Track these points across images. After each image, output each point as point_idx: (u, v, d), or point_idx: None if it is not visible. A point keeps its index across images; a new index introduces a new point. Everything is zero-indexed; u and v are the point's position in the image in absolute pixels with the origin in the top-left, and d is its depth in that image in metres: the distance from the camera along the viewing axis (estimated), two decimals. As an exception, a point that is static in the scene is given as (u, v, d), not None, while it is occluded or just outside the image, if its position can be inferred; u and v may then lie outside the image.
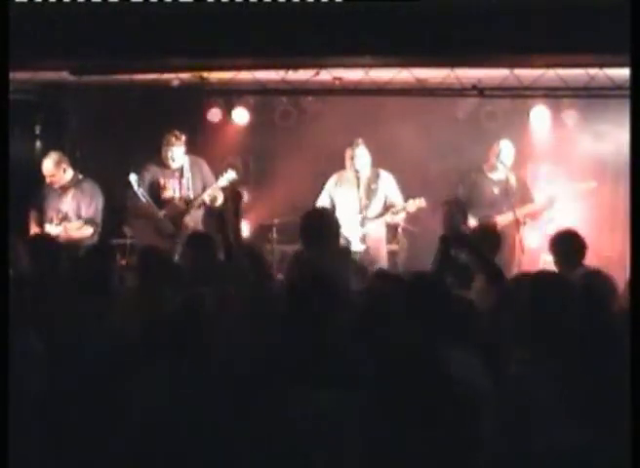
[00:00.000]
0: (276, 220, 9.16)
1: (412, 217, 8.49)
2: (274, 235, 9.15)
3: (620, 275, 5.51)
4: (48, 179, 8.47)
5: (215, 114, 9.76)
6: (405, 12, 6.31)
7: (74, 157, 9.04)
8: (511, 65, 6.98)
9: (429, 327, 3.88)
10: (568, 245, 6.17)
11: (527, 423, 3.46)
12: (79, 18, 6.45)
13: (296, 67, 7.30)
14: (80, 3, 6.32)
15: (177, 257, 8.02)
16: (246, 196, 9.90)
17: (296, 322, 4.12)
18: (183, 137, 8.73)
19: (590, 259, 6.23)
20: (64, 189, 8.47)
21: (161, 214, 8.56)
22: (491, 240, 6.31)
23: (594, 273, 5.24)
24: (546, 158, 9.33)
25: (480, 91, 7.43)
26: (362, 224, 8.30)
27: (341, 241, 7.78)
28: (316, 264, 5.96)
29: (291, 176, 9.17)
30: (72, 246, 7.74)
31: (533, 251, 8.50)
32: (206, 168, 8.87)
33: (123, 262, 8.20)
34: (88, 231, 8.37)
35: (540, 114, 9.21)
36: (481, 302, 4.54)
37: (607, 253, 6.76)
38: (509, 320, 4.27)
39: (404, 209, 8.33)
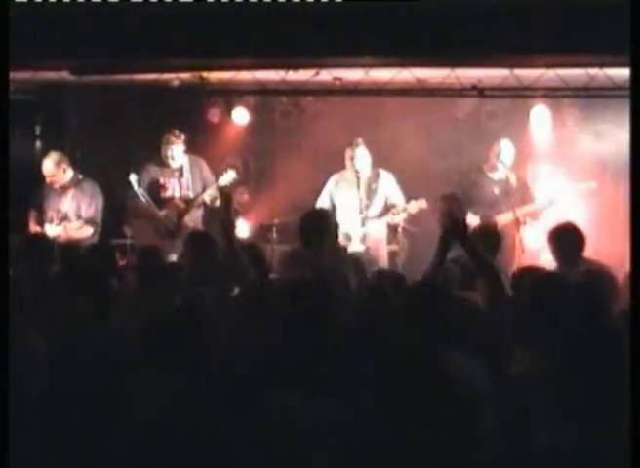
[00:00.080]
0: (276, 220, 9.16)
1: (412, 218, 8.49)
2: (274, 235, 9.15)
3: (620, 275, 5.51)
4: (48, 179, 8.47)
5: (215, 114, 9.75)
6: (405, 12, 6.31)
7: (74, 157, 9.05)
8: (511, 65, 6.98)
9: (429, 327, 3.88)
10: (567, 238, 6.16)
11: (527, 423, 3.46)
12: (79, 18, 6.45)
13: (296, 67, 7.30)
14: (80, 3, 6.33)
15: (176, 257, 8.04)
16: (246, 196, 9.93)
17: (295, 322, 4.12)
18: (183, 136, 8.74)
19: (591, 259, 6.23)
20: (64, 189, 8.47)
21: (161, 213, 8.57)
22: (491, 240, 6.31)
23: (594, 272, 5.23)
24: (546, 158, 9.32)
25: (480, 91, 7.42)
26: (362, 224, 8.30)
27: (341, 240, 7.80)
28: (315, 264, 5.97)
29: (291, 176, 9.17)
30: (72, 246, 7.72)
31: (533, 251, 8.49)
32: (206, 167, 8.87)
33: (123, 262, 8.20)
34: (88, 231, 8.38)
35: (539, 114, 9.20)
36: (482, 302, 4.54)
37: (607, 252, 6.75)
38: (509, 320, 4.27)
39: (405, 209, 8.33)
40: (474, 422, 2.51)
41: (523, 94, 7.71)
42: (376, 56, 6.79)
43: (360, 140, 8.45)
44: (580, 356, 2.89)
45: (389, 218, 8.40)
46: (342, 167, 8.55)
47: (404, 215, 8.40)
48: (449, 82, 7.34)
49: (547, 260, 7.93)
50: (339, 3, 6.24)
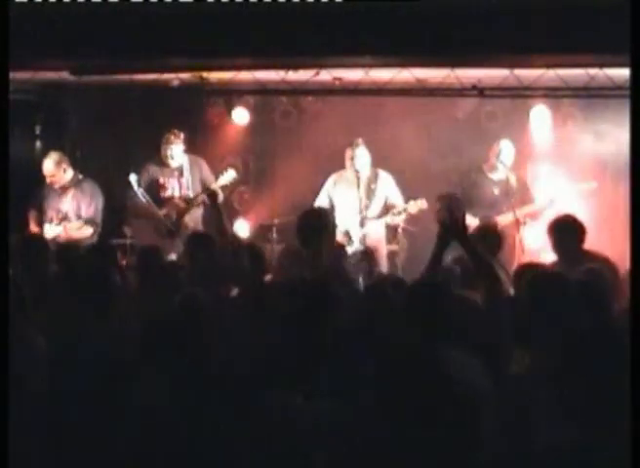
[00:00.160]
0: (276, 220, 9.16)
1: (412, 218, 8.49)
2: (274, 235, 9.15)
3: (621, 275, 5.51)
4: (48, 179, 8.48)
5: (215, 114, 9.75)
6: (405, 12, 6.31)
7: (74, 157, 9.05)
8: (511, 65, 6.98)
9: (429, 326, 3.88)
10: (567, 231, 6.15)
11: (527, 423, 3.46)
12: (79, 18, 6.45)
13: (296, 67, 7.30)
14: (80, 3, 6.32)
15: (176, 257, 8.04)
16: (246, 196, 9.94)
17: (295, 322, 4.13)
18: (182, 136, 8.75)
19: (592, 253, 6.22)
20: (64, 189, 8.47)
21: (161, 213, 8.57)
22: (492, 240, 6.30)
23: (596, 270, 5.22)
24: (546, 158, 9.32)
25: (480, 91, 7.42)
26: (362, 224, 8.30)
27: (340, 240, 7.79)
28: (313, 263, 5.97)
29: (291, 176, 9.17)
30: (72, 246, 7.73)
31: (533, 251, 8.49)
32: (205, 167, 8.88)
33: (123, 262, 8.20)
34: (88, 231, 8.38)
35: (539, 114, 9.20)
36: (482, 302, 4.54)
37: (607, 252, 6.76)
38: (509, 319, 4.27)
39: (405, 210, 8.33)
40: (474, 422, 2.51)
41: (523, 94, 7.71)
42: (376, 56, 6.78)
43: (360, 140, 8.46)
44: (581, 355, 2.89)
45: (389, 219, 8.40)
46: (342, 167, 8.55)
47: (403, 216, 8.40)
48: (449, 82, 7.34)
49: (548, 260, 7.95)
50: (339, 3, 6.24)
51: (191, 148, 8.99)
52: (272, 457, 3.07)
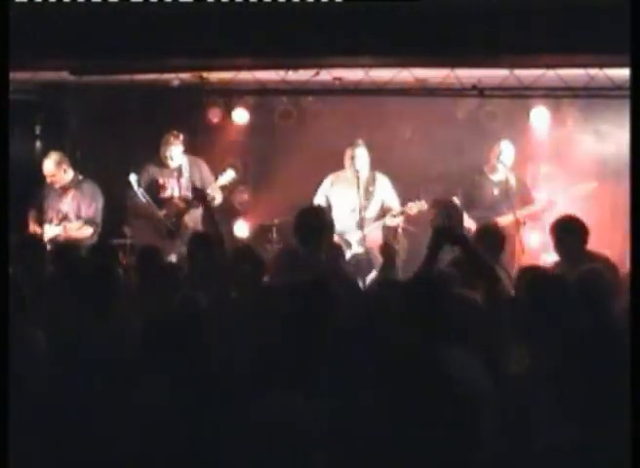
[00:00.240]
0: (276, 220, 9.16)
1: (412, 218, 8.48)
2: (274, 235, 9.15)
3: (621, 275, 5.51)
4: (48, 179, 8.48)
5: (215, 114, 9.75)
6: (405, 12, 6.31)
7: (74, 157, 9.04)
8: (511, 65, 6.98)
9: (429, 326, 3.88)
10: (569, 231, 6.14)
11: (527, 423, 3.46)
12: (79, 18, 6.45)
13: (296, 67, 7.30)
14: (80, 3, 6.33)
15: (176, 257, 8.04)
16: (246, 196, 9.94)
17: (294, 322, 4.12)
18: (182, 137, 8.75)
19: (594, 253, 6.22)
20: (65, 189, 8.48)
21: (161, 213, 8.57)
22: (493, 241, 6.30)
23: (596, 270, 5.22)
24: (546, 158, 9.32)
25: (480, 91, 7.42)
26: (361, 226, 8.28)
27: (339, 241, 7.78)
28: (312, 263, 5.96)
29: (291, 177, 9.16)
30: (72, 246, 7.73)
31: (533, 251, 8.49)
32: (205, 167, 8.88)
33: (123, 262, 8.20)
34: (88, 231, 8.39)
35: (539, 114, 9.20)
36: (482, 302, 4.54)
37: (607, 253, 6.76)
38: (509, 320, 4.27)
39: (404, 212, 8.32)
40: (474, 422, 2.51)
41: (523, 94, 7.71)
42: (376, 56, 6.78)
43: (360, 141, 8.46)
44: (581, 355, 2.89)
45: (389, 221, 8.40)
46: (342, 167, 8.55)
47: (401, 219, 8.39)
48: (449, 82, 7.33)
49: (547, 261, 7.95)
50: (339, 3, 6.24)
51: (191, 148, 8.99)
52: (272, 457, 3.07)
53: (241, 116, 9.71)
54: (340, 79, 7.80)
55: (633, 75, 4.29)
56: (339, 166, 8.60)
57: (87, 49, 6.71)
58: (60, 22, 6.49)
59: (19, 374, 3.91)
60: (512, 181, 8.42)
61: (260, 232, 9.45)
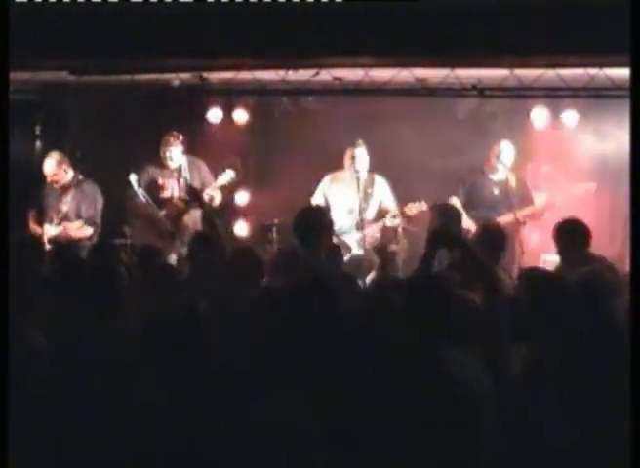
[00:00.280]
0: (276, 220, 9.16)
1: (412, 218, 8.48)
2: (274, 235, 9.15)
3: (621, 275, 5.51)
4: (49, 179, 8.48)
5: (215, 114, 9.74)
6: (405, 12, 6.31)
7: (74, 157, 9.04)
8: (511, 65, 6.98)
9: (429, 326, 3.88)
10: (572, 235, 6.13)
11: (527, 423, 3.46)
12: (79, 18, 6.45)
13: (296, 67, 7.30)
14: (80, 3, 6.33)
15: (176, 257, 8.05)
16: (246, 196, 9.93)
17: (295, 322, 4.12)
18: (181, 137, 8.76)
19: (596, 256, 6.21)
20: (65, 189, 8.48)
21: (161, 213, 8.57)
22: (495, 240, 6.30)
23: (596, 271, 5.22)
24: (546, 158, 9.32)
25: (480, 91, 7.42)
26: (360, 227, 8.28)
27: (338, 242, 7.78)
28: (312, 263, 5.95)
29: (291, 177, 9.16)
30: (72, 246, 7.74)
31: (533, 251, 8.49)
32: (204, 168, 8.89)
33: (124, 262, 8.20)
34: (88, 231, 8.39)
35: (539, 114, 9.20)
36: (483, 302, 4.54)
37: (606, 253, 6.75)
38: (508, 321, 4.27)
39: (404, 213, 8.31)
40: (474, 422, 2.51)
41: (523, 94, 7.71)
42: (376, 56, 6.79)
43: (361, 141, 8.46)
44: (581, 355, 2.89)
45: (389, 222, 8.39)
46: (342, 167, 8.56)
47: (399, 221, 8.38)
48: (449, 82, 7.33)
49: (547, 261, 7.95)
50: (339, 3, 6.24)
51: (191, 148, 8.99)
52: (272, 457, 3.07)
53: (241, 116, 9.71)
54: (340, 79, 7.80)
55: (633, 75, 4.29)
56: (339, 166, 8.60)
57: (87, 49, 6.71)
58: (60, 22, 6.49)
59: (19, 374, 3.91)
60: (512, 181, 8.42)
61: (260, 232, 9.45)
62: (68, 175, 8.51)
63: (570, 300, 4.26)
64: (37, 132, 9.57)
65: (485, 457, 2.54)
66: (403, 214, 8.32)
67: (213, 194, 8.64)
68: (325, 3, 6.22)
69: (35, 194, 8.58)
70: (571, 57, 6.69)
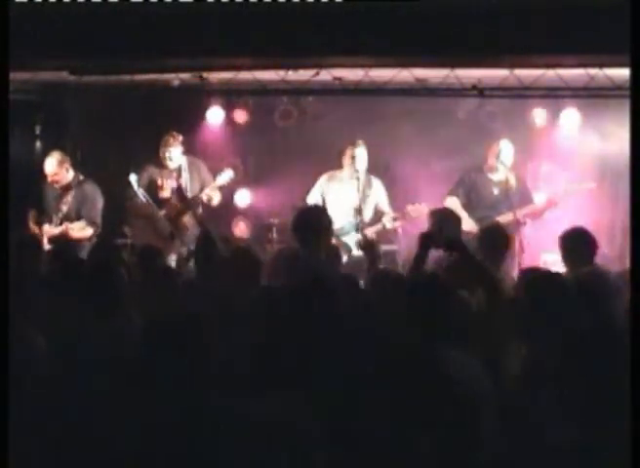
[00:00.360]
0: (276, 220, 9.16)
1: (412, 218, 8.48)
2: (274, 235, 9.15)
3: (620, 275, 5.51)
4: (50, 178, 8.47)
5: (215, 114, 9.75)
6: (405, 12, 6.32)
7: (74, 157, 9.04)
8: (511, 65, 6.98)
9: (429, 326, 3.88)
10: (578, 243, 6.11)
11: (527, 423, 3.46)
12: (79, 18, 6.45)
13: (296, 67, 7.30)
14: (80, 3, 6.33)
15: (176, 258, 8.05)
16: (246, 196, 9.93)
17: (295, 322, 4.12)
18: (181, 138, 8.77)
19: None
20: (65, 189, 8.48)
21: (161, 213, 8.58)
22: (496, 240, 6.29)
23: (596, 271, 5.22)
24: (546, 158, 9.32)
25: (480, 91, 7.43)
26: (359, 228, 8.27)
27: (337, 242, 7.78)
28: (312, 263, 5.95)
29: (291, 176, 9.16)
30: (72, 246, 7.74)
31: (533, 251, 8.49)
32: (204, 168, 8.90)
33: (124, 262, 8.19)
34: (88, 231, 8.39)
35: (539, 114, 9.20)
36: (483, 302, 4.54)
37: (607, 253, 6.75)
38: (509, 320, 4.27)
39: (404, 215, 8.30)
40: (474, 422, 2.51)
41: (523, 94, 7.71)
42: (376, 56, 6.79)
43: (361, 141, 8.46)
44: (581, 355, 2.89)
45: (389, 224, 8.38)
46: (342, 167, 8.56)
47: (399, 223, 8.38)
48: (449, 82, 7.34)
49: (547, 261, 7.95)
50: (339, 3, 6.24)
51: (191, 148, 8.99)
52: (272, 457, 3.07)
53: (241, 116, 9.71)
54: (340, 79, 7.80)
55: (633, 75, 4.29)
56: (338, 166, 8.60)
57: (87, 49, 6.71)
58: (60, 22, 6.49)
59: (18, 374, 3.91)
60: (512, 181, 8.42)
61: (260, 232, 9.45)
62: (69, 174, 8.51)
63: (570, 300, 4.26)
64: (37, 132, 9.57)
65: (485, 457, 2.54)
66: (404, 215, 8.32)
67: (212, 194, 8.65)
68: (325, 3, 6.22)
69: (35, 194, 8.58)
70: (571, 57, 6.70)
